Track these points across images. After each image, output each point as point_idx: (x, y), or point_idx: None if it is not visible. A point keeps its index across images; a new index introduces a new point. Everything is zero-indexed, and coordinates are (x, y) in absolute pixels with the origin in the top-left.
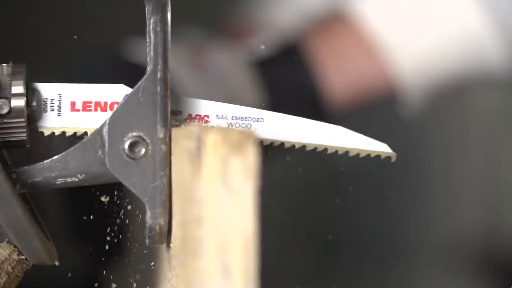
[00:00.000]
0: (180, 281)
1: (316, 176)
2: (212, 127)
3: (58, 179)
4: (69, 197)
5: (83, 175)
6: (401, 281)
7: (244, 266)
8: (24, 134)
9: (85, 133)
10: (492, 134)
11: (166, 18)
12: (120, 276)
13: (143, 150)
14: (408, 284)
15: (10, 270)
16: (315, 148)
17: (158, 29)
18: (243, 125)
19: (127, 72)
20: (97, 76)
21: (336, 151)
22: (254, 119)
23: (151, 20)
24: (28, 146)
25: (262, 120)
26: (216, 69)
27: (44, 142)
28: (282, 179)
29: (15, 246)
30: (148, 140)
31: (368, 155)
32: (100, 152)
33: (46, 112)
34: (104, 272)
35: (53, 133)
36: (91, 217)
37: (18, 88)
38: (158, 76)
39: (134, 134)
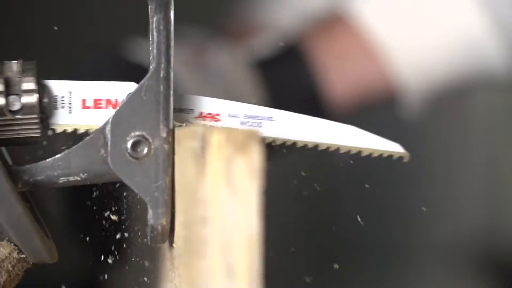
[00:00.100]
0: (183, 281)
1: (315, 176)
2: (216, 127)
3: (61, 178)
4: (69, 196)
5: (86, 174)
6: (401, 281)
7: (248, 266)
8: (38, 131)
9: None
10: (492, 135)
11: (169, 17)
12: (121, 276)
13: (145, 150)
14: (408, 284)
15: (11, 268)
16: (328, 148)
17: (161, 27)
18: (254, 124)
19: (128, 72)
20: (98, 76)
21: (349, 151)
22: (265, 118)
23: (154, 19)
24: (42, 143)
25: (272, 119)
26: (216, 69)
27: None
28: (281, 178)
29: (15, 245)
30: (150, 140)
31: (381, 155)
32: (102, 151)
33: (57, 109)
34: (104, 272)
35: (65, 130)
36: (91, 217)
37: (29, 84)
38: (161, 74)
39: (137, 133)
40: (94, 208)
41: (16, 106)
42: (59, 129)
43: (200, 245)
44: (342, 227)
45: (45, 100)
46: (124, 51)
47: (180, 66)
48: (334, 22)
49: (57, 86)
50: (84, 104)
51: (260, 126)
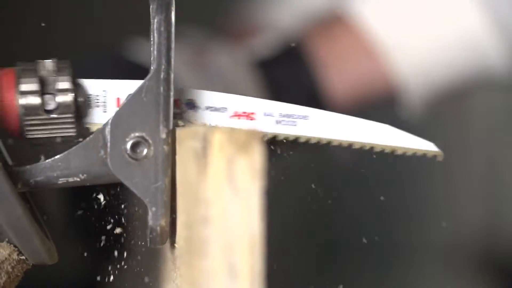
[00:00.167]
0: (184, 281)
1: (316, 176)
2: (218, 126)
3: (60, 179)
4: (69, 196)
5: (85, 175)
6: (401, 281)
7: (250, 266)
8: (72, 130)
9: None
10: (492, 135)
11: (170, 18)
12: (121, 276)
13: (145, 151)
14: (408, 284)
15: (10, 269)
16: (362, 147)
17: (162, 28)
18: (289, 123)
19: (128, 72)
20: (98, 76)
21: (383, 150)
22: (300, 117)
23: (155, 20)
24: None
25: (307, 117)
26: (217, 69)
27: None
28: (280, 178)
29: (15, 246)
30: (150, 141)
31: (415, 153)
32: (102, 152)
33: (91, 108)
34: (104, 273)
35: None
36: (91, 216)
37: (64, 83)
38: (162, 76)
39: (137, 134)
40: (94, 208)
41: (51, 106)
42: (93, 128)
43: (202, 245)
44: (342, 227)
45: (80, 99)
46: (125, 51)
47: (180, 66)
48: (334, 22)
49: (92, 85)
50: (119, 103)
51: (295, 125)
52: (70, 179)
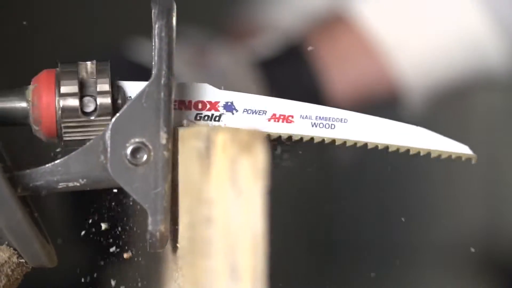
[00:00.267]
0: (186, 281)
1: (316, 176)
2: (221, 126)
3: (60, 184)
4: (69, 199)
5: (85, 180)
6: (401, 281)
7: (253, 267)
8: None
9: None
10: (492, 135)
11: (171, 23)
12: (121, 277)
13: (145, 156)
14: (408, 284)
15: (10, 273)
16: (397, 149)
17: (163, 34)
18: (327, 126)
19: (129, 72)
20: None
21: (419, 152)
22: (338, 120)
23: (156, 25)
24: None
25: (346, 120)
26: (218, 69)
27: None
28: (281, 178)
29: (14, 249)
30: (150, 146)
31: (449, 156)
32: (102, 157)
33: None
34: (104, 273)
35: None
36: (91, 218)
37: (103, 86)
38: (162, 81)
39: (137, 140)
40: (94, 210)
41: (90, 108)
42: None
43: (204, 245)
44: (342, 227)
45: (119, 101)
46: (126, 51)
47: (181, 66)
48: (335, 22)
49: (130, 87)
50: None
51: (333, 128)
52: (70, 184)
